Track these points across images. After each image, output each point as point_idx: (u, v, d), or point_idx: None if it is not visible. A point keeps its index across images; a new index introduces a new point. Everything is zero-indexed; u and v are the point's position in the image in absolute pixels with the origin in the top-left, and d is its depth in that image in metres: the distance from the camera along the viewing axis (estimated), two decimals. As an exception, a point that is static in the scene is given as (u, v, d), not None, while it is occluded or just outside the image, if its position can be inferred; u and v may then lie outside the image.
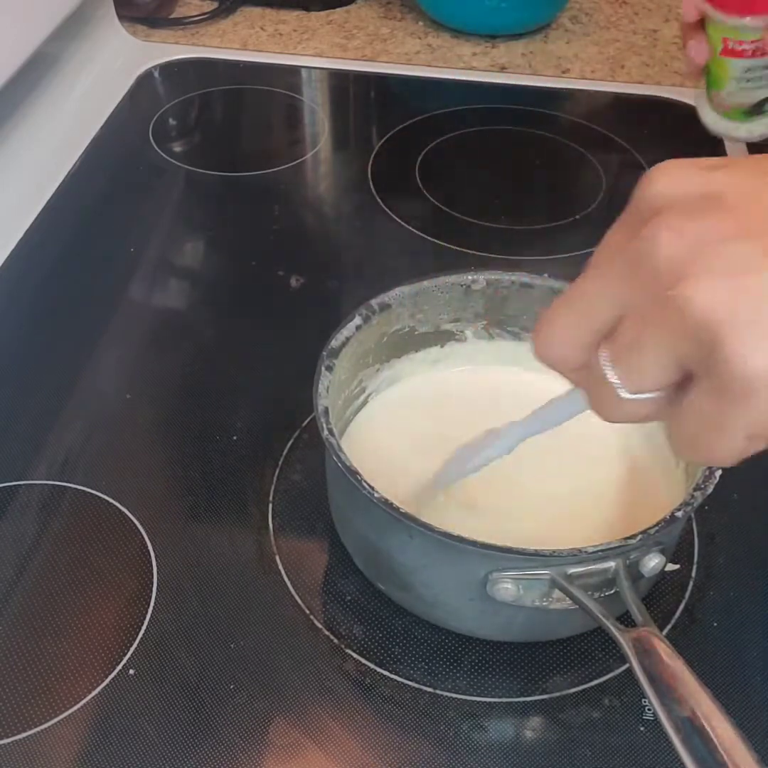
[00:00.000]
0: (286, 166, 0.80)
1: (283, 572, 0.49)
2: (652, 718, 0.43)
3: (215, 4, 1.00)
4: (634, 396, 0.27)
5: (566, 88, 0.90)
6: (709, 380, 0.25)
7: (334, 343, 0.47)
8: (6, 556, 0.50)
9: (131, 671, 0.45)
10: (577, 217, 0.74)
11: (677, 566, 0.49)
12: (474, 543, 0.39)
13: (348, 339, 0.48)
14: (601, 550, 0.39)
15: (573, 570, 0.39)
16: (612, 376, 0.27)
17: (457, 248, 0.70)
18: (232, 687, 0.44)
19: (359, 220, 0.75)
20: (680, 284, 0.25)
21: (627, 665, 0.36)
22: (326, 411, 0.44)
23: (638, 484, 0.49)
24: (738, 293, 0.24)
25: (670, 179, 0.27)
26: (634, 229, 0.27)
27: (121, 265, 0.69)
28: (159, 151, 0.81)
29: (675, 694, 0.34)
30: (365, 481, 0.41)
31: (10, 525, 0.51)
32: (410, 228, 0.73)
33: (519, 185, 0.79)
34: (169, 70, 0.92)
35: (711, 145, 0.81)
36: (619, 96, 0.89)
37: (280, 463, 0.55)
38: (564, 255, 0.70)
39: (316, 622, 0.47)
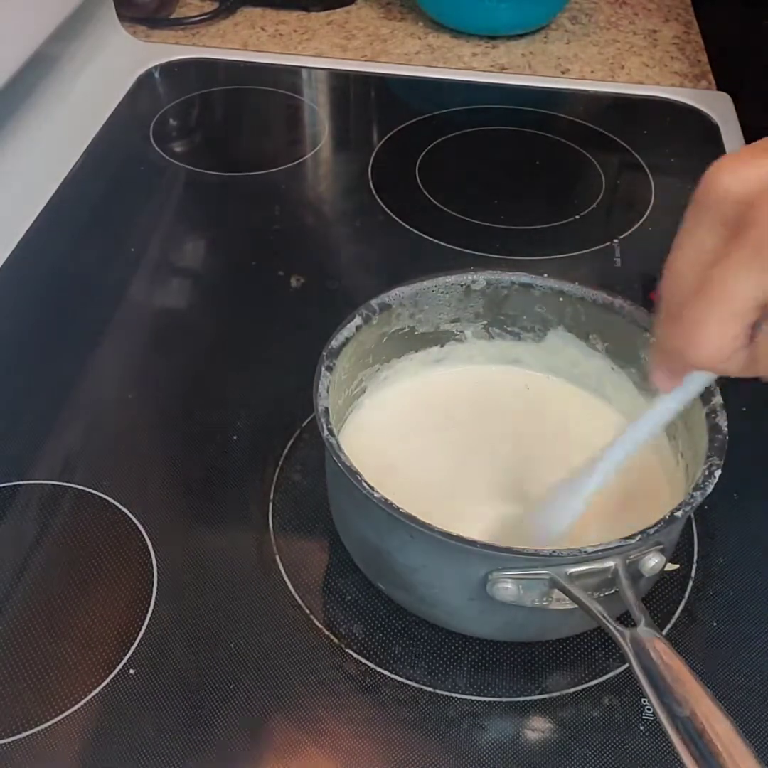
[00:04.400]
0: (286, 166, 0.80)
1: (283, 572, 0.49)
2: (652, 718, 0.43)
3: (216, 5, 1.00)
4: None
5: (566, 89, 0.90)
6: None
7: (334, 343, 0.47)
8: (6, 556, 0.50)
9: (131, 671, 0.45)
10: (577, 217, 0.74)
11: (677, 566, 0.49)
12: (474, 543, 0.39)
13: (348, 339, 0.48)
14: (601, 550, 0.39)
15: (573, 570, 0.39)
16: None
17: (457, 248, 0.70)
18: (232, 686, 0.44)
19: (359, 220, 0.75)
20: None
21: (627, 665, 0.36)
22: (326, 411, 0.44)
23: (638, 483, 0.49)
24: None
25: (738, 174, 0.31)
26: (728, 227, 0.31)
27: (121, 265, 0.70)
28: (159, 151, 0.81)
29: (675, 694, 0.34)
30: (365, 481, 0.41)
31: (10, 525, 0.52)
32: (410, 228, 0.73)
33: (519, 185, 0.79)
34: (170, 70, 0.92)
35: (711, 145, 0.81)
36: (619, 96, 0.89)
37: (280, 463, 0.55)
38: (564, 255, 0.70)
39: (316, 621, 0.47)
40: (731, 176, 0.31)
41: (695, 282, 0.32)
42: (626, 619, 0.38)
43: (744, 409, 0.55)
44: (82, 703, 0.44)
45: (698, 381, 0.36)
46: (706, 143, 0.82)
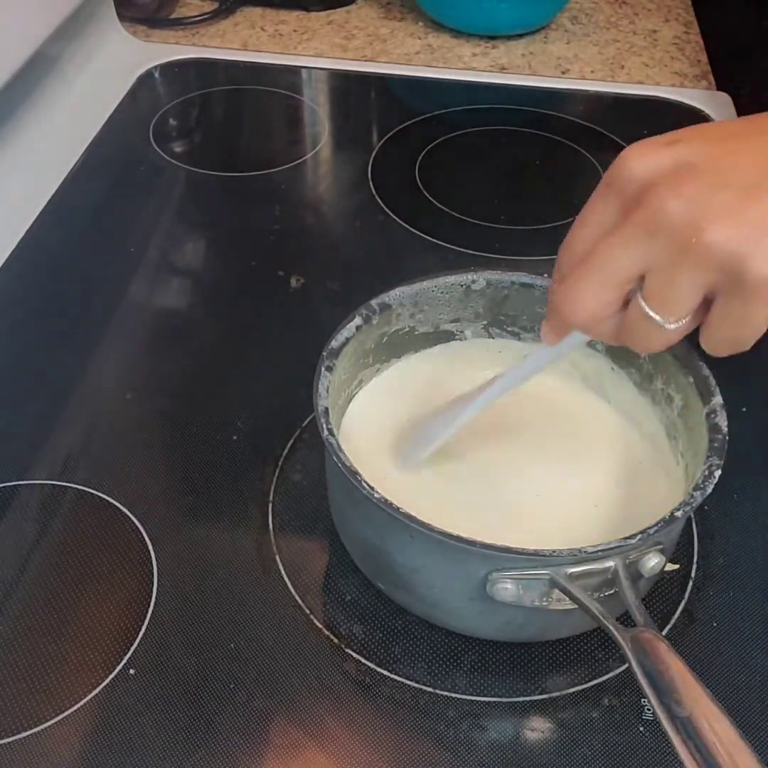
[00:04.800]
0: (286, 166, 0.80)
1: (283, 572, 0.49)
2: (652, 718, 0.43)
3: (215, 5, 1.00)
4: (674, 325, 0.35)
5: (566, 89, 0.90)
6: (735, 292, 0.33)
7: (334, 343, 0.47)
8: (6, 556, 0.50)
9: (131, 671, 0.45)
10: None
11: (677, 566, 0.49)
12: (474, 543, 0.39)
13: (348, 339, 0.48)
14: (601, 550, 0.39)
15: (572, 570, 0.39)
16: (655, 315, 0.34)
17: (457, 248, 0.70)
18: (232, 686, 0.44)
19: (359, 220, 0.75)
20: (699, 234, 0.32)
21: (627, 665, 0.36)
22: (326, 411, 0.44)
23: (638, 484, 0.49)
24: (744, 226, 0.32)
25: (644, 160, 0.34)
26: (625, 205, 0.34)
27: (121, 265, 0.70)
28: (159, 151, 0.81)
29: (675, 694, 0.34)
30: (365, 481, 0.41)
31: (10, 525, 0.52)
32: (410, 228, 0.73)
33: (519, 185, 0.79)
34: (170, 70, 0.92)
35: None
36: (619, 96, 0.89)
37: (280, 463, 0.55)
38: (564, 255, 0.70)
39: (316, 622, 0.47)
40: (637, 161, 0.34)
41: (587, 251, 0.35)
42: (626, 619, 0.38)
43: (744, 409, 0.55)
44: (82, 703, 0.44)
45: (574, 340, 0.40)
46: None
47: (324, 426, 0.43)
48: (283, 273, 0.68)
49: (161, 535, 0.51)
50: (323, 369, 0.46)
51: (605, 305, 0.35)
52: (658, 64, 0.94)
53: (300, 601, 0.48)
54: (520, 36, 0.97)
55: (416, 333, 0.53)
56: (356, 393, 0.52)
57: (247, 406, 0.58)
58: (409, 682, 0.45)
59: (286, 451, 0.55)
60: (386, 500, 0.40)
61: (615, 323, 0.36)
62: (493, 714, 0.44)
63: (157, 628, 0.47)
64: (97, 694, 0.44)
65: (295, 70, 0.93)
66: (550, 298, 0.38)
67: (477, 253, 0.70)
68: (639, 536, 0.39)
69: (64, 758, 0.42)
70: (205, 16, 0.99)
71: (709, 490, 0.41)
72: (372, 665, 0.46)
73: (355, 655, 0.46)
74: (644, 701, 0.44)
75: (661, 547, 0.41)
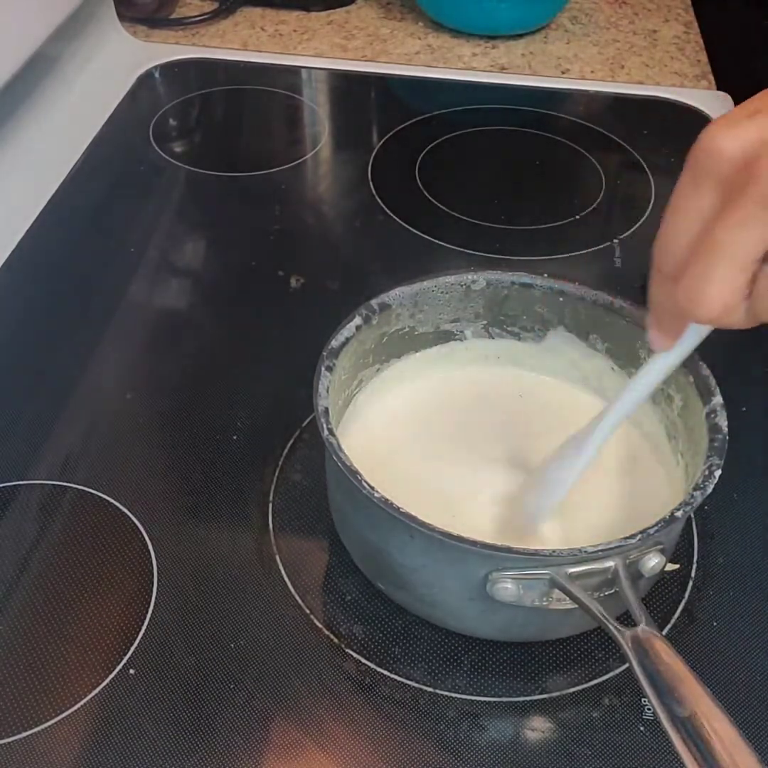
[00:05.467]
0: (286, 166, 0.80)
1: (283, 572, 0.49)
2: (652, 718, 0.43)
3: (215, 5, 1.00)
4: None
5: (566, 89, 0.90)
6: None
7: (334, 343, 0.47)
8: (6, 556, 0.50)
9: (131, 671, 0.45)
10: (577, 217, 0.74)
11: (677, 566, 0.49)
12: (474, 543, 0.39)
13: (348, 339, 0.48)
14: (601, 550, 0.39)
15: (572, 570, 0.39)
16: None
17: (457, 248, 0.70)
18: (232, 686, 0.44)
19: (359, 220, 0.75)
20: None
21: (627, 665, 0.36)
22: (326, 411, 0.44)
23: (638, 484, 0.49)
24: None
25: (731, 137, 0.32)
26: (725, 186, 0.32)
27: (121, 265, 0.70)
28: (159, 151, 0.81)
29: (675, 694, 0.34)
30: (365, 481, 0.41)
31: (10, 525, 0.52)
32: (410, 228, 0.73)
33: (519, 185, 0.79)
34: (170, 70, 0.92)
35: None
36: (619, 96, 0.89)
37: (280, 463, 0.55)
38: (564, 255, 0.70)
39: (316, 621, 0.47)
40: (726, 137, 0.32)
41: (694, 241, 0.33)
42: (626, 619, 0.38)
43: (744, 409, 0.55)
44: (82, 703, 0.44)
45: (696, 334, 0.37)
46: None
47: (324, 426, 0.43)
48: (283, 273, 0.68)
49: (161, 535, 0.51)
50: (323, 369, 0.46)
51: (737, 291, 0.33)
52: (658, 64, 0.94)
53: (300, 601, 0.48)
54: (520, 36, 0.97)
55: (416, 333, 0.53)
56: (356, 393, 0.52)
57: (247, 406, 0.58)
58: (409, 682, 0.45)
59: (286, 451, 0.55)
60: (386, 500, 0.40)
61: (745, 307, 0.33)
62: (493, 714, 0.44)
63: (157, 628, 0.47)
64: (97, 694, 0.44)
65: (295, 70, 0.93)
66: (660, 302, 0.36)
67: (477, 253, 0.70)
68: (639, 536, 0.39)
69: (64, 758, 0.42)
70: (205, 16, 0.99)
71: (709, 490, 0.41)
72: (372, 665, 0.46)
73: (355, 655, 0.46)
74: (644, 701, 0.44)
75: (661, 547, 0.41)
